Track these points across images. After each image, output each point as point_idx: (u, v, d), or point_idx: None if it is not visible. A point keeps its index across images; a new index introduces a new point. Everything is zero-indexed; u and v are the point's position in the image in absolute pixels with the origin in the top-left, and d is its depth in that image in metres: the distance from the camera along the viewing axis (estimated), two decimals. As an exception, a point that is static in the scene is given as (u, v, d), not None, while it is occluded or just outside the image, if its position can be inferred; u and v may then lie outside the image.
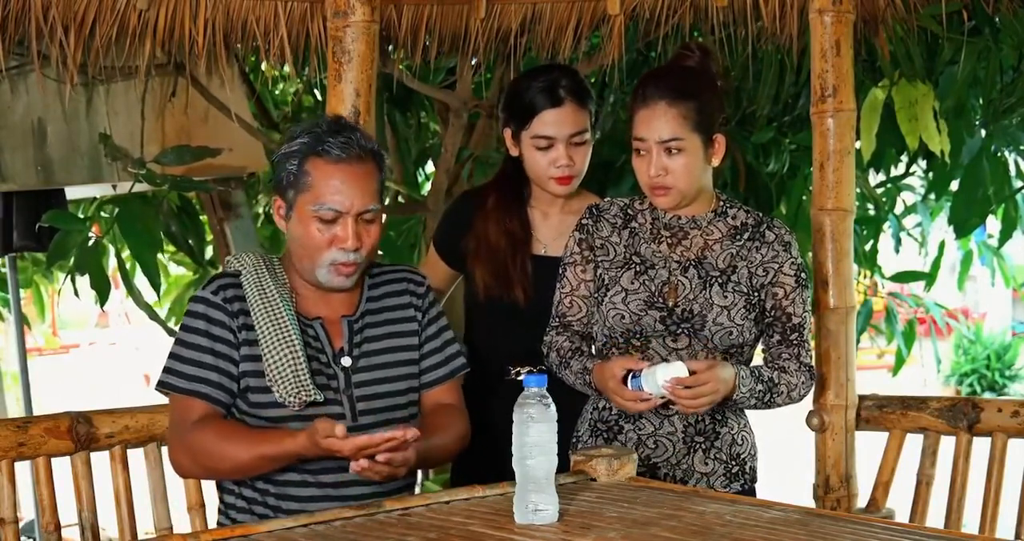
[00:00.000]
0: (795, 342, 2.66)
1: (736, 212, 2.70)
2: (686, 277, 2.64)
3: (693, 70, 2.66)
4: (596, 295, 2.70)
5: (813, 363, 2.71)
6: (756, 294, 2.65)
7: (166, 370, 2.47)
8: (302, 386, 2.42)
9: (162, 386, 2.48)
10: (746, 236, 2.68)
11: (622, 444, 2.66)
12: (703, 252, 2.66)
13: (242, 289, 2.48)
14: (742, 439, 2.71)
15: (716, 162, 2.64)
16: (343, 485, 2.44)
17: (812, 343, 2.82)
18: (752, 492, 2.72)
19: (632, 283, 2.65)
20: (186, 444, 2.43)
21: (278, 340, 2.43)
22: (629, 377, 2.51)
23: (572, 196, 2.98)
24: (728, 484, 2.68)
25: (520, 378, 2.88)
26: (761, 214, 2.73)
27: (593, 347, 2.75)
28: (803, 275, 2.68)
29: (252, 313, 2.45)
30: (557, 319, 2.74)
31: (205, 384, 2.43)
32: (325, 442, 2.26)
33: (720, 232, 2.68)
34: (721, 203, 2.70)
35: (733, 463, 2.69)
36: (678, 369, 2.46)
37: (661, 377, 2.46)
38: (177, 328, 2.69)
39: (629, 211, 2.72)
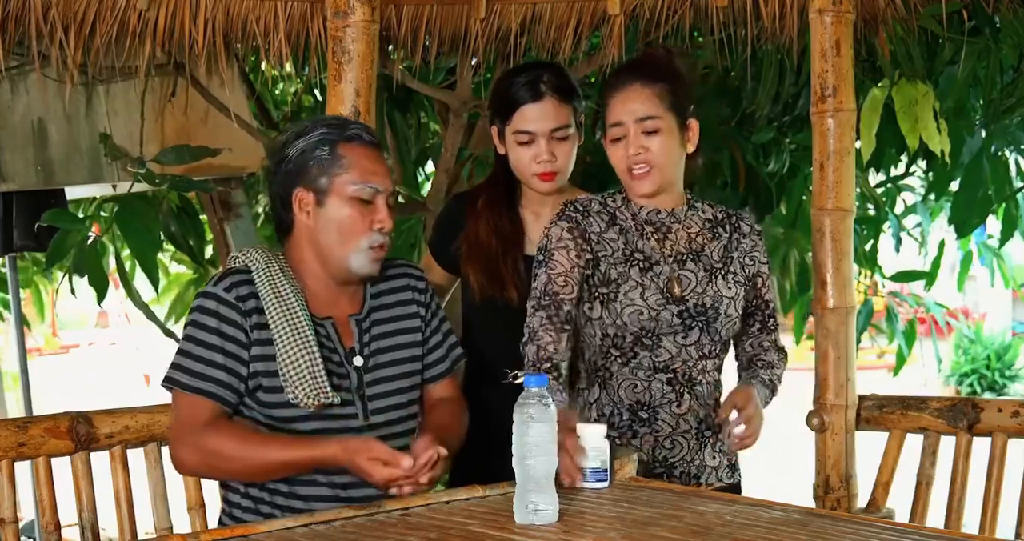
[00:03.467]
0: (772, 328, 2.80)
1: (703, 206, 2.76)
2: (687, 270, 2.65)
3: (659, 60, 2.71)
4: (602, 290, 2.64)
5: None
6: (749, 283, 2.74)
7: (174, 366, 2.45)
8: (320, 388, 2.42)
9: (169, 382, 2.45)
10: (727, 228, 2.73)
11: (638, 447, 2.67)
12: (691, 245, 2.68)
13: (255, 286, 2.46)
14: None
15: (691, 148, 2.67)
16: (352, 486, 2.44)
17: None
18: (739, 485, 2.80)
19: (643, 278, 2.65)
20: (198, 445, 2.41)
21: (294, 341, 2.42)
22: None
23: (565, 195, 2.97)
24: (732, 474, 2.77)
25: (519, 381, 2.89)
26: (724, 207, 2.79)
27: (582, 359, 2.73)
28: (768, 260, 2.82)
29: (267, 312, 2.43)
30: (548, 297, 2.59)
31: (214, 383, 2.42)
32: (377, 468, 2.28)
33: (697, 226, 2.71)
34: (690, 197, 2.75)
35: (732, 454, 2.78)
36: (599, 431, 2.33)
37: (589, 442, 2.31)
38: (173, 327, 2.66)
39: (608, 208, 2.71)
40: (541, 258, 2.65)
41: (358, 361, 2.52)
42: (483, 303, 2.95)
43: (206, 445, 2.40)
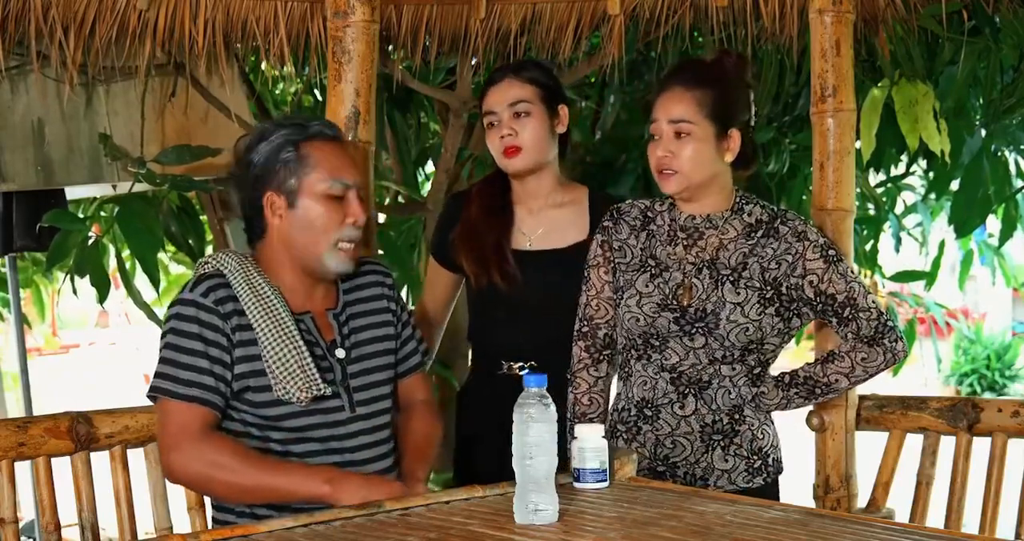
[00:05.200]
0: (849, 318, 2.67)
1: (752, 208, 2.72)
2: (699, 278, 2.65)
3: (720, 65, 2.68)
4: (615, 297, 2.72)
5: (881, 321, 2.67)
6: (769, 288, 2.65)
7: (160, 375, 2.43)
8: (311, 380, 2.43)
9: (156, 392, 2.43)
10: (760, 233, 2.68)
11: (641, 444, 2.69)
12: (717, 252, 2.67)
13: (231, 289, 2.46)
14: (762, 433, 2.72)
15: (730, 158, 2.66)
16: None
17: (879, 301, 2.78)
18: (775, 484, 2.75)
19: (647, 286, 2.67)
20: (200, 453, 2.38)
21: (280, 337, 2.43)
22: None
23: (557, 190, 2.99)
24: (751, 479, 2.70)
25: (513, 373, 2.90)
26: (776, 209, 2.74)
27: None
28: (832, 252, 2.69)
29: (248, 312, 2.43)
30: (585, 322, 2.76)
31: (204, 390, 2.41)
32: None
33: (736, 230, 2.69)
34: (738, 200, 2.71)
35: (755, 458, 2.71)
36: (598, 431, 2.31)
37: (588, 442, 2.29)
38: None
39: (649, 214, 2.75)
40: (585, 273, 2.77)
41: (340, 353, 2.53)
42: (478, 292, 2.97)
43: (207, 455, 2.38)
